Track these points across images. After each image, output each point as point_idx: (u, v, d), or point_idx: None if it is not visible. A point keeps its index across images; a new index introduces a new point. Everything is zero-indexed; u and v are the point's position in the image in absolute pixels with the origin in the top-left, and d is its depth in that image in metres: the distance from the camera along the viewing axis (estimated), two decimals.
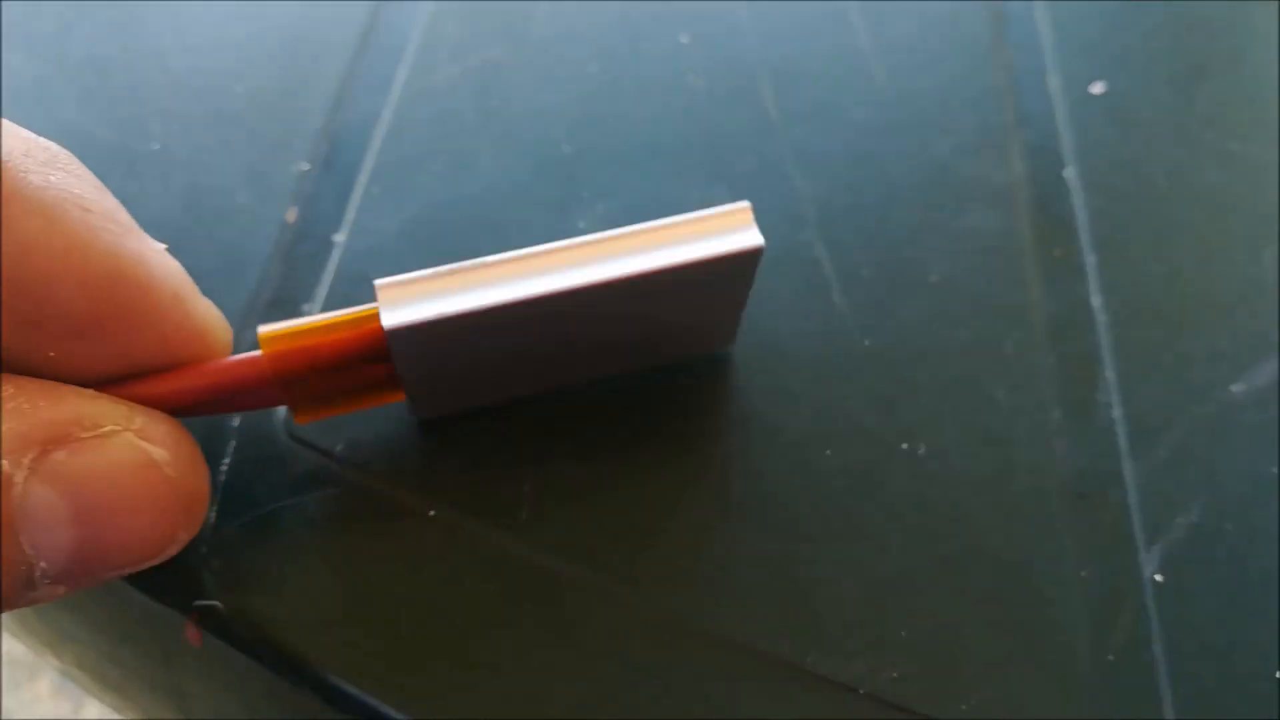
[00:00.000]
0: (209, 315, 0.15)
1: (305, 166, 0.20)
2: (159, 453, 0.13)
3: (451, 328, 0.15)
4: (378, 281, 0.15)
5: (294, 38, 0.23)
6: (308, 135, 0.21)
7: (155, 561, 0.14)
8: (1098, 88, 0.22)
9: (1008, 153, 0.21)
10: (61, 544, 0.13)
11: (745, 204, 0.15)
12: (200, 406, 0.15)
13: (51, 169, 0.13)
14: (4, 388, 0.12)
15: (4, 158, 0.13)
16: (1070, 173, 0.21)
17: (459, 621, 0.15)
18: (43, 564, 0.13)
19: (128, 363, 0.14)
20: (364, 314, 0.15)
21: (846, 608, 0.15)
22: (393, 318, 0.14)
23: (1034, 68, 0.23)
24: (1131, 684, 0.15)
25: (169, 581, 0.15)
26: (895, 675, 0.15)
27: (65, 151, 0.14)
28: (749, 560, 0.16)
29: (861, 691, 0.15)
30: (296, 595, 0.15)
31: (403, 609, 0.15)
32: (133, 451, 0.13)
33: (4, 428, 0.12)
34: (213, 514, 0.16)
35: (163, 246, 0.15)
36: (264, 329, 0.15)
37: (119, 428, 0.13)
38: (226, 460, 0.16)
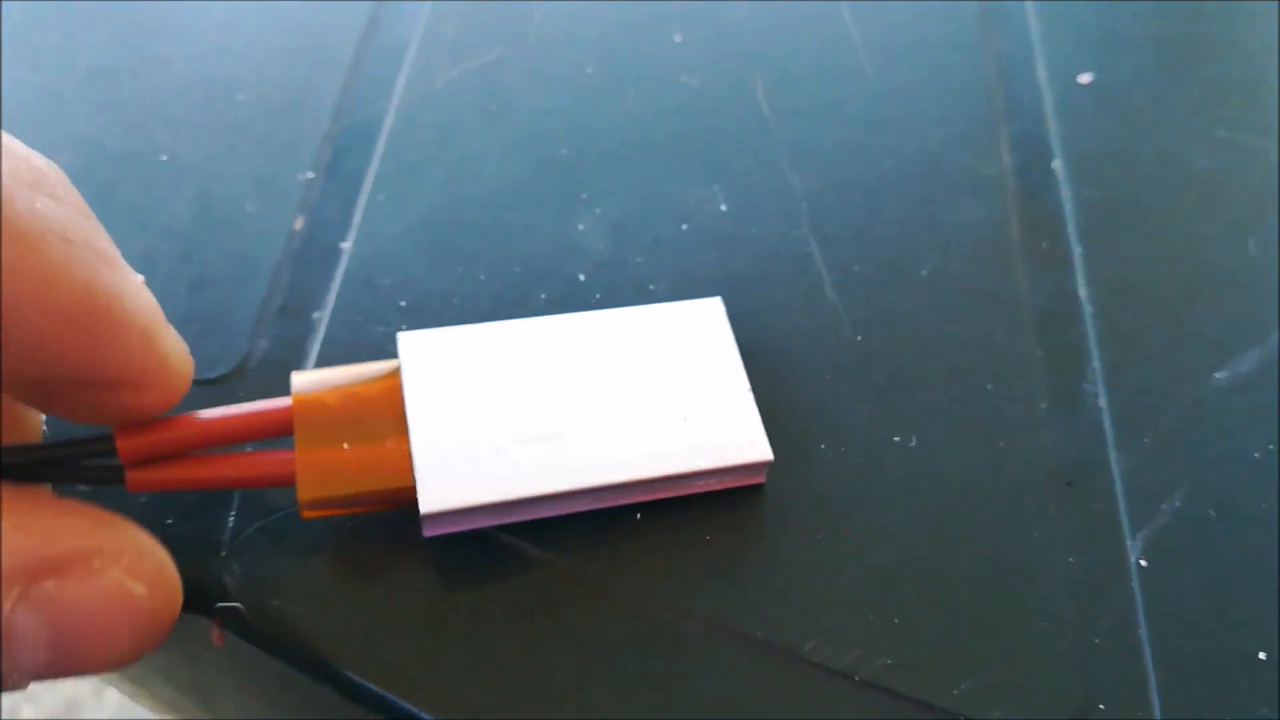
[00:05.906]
0: (174, 349, 0.15)
1: (310, 174, 0.21)
2: (140, 588, 0.14)
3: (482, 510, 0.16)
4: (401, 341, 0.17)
5: (294, 43, 0.23)
6: (312, 142, 0.21)
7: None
8: (1085, 78, 0.23)
9: (997, 145, 0.22)
10: (36, 661, 0.13)
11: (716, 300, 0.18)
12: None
13: (38, 194, 0.13)
14: (5, 520, 0.13)
15: None
16: (1058, 164, 0.21)
17: (480, 619, 0.16)
18: (14, 675, 0.13)
19: (87, 385, 0.14)
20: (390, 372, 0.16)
21: (842, 597, 0.16)
22: (429, 503, 0.15)
23: (1023, 58, 0.23)
24: (1118, 666, 0.16)
25: (192, 587, 0.16)
26: (890, 662, 0.15)
27: (56, 171, 0.14)
28: (746, 551, 0.16)
29: (857, 678, 0.15)
30: (316, 594, 0.16)
31: (422, 606, 0.16)
32: (117, 587, 0.14)
33: (3, 565, 0.13)
34: (231, 518, 0.17)
35: (140, 279, 0.15)
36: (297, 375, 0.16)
37: (108, 563, 0.14)
38: None
